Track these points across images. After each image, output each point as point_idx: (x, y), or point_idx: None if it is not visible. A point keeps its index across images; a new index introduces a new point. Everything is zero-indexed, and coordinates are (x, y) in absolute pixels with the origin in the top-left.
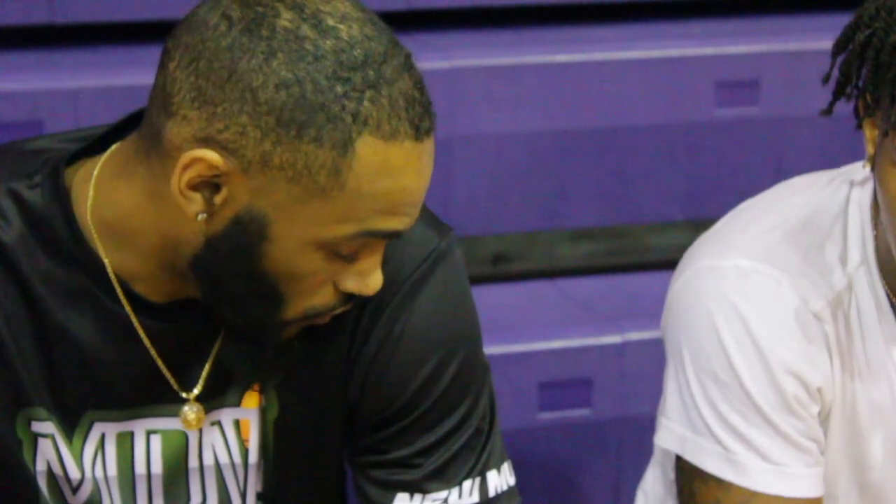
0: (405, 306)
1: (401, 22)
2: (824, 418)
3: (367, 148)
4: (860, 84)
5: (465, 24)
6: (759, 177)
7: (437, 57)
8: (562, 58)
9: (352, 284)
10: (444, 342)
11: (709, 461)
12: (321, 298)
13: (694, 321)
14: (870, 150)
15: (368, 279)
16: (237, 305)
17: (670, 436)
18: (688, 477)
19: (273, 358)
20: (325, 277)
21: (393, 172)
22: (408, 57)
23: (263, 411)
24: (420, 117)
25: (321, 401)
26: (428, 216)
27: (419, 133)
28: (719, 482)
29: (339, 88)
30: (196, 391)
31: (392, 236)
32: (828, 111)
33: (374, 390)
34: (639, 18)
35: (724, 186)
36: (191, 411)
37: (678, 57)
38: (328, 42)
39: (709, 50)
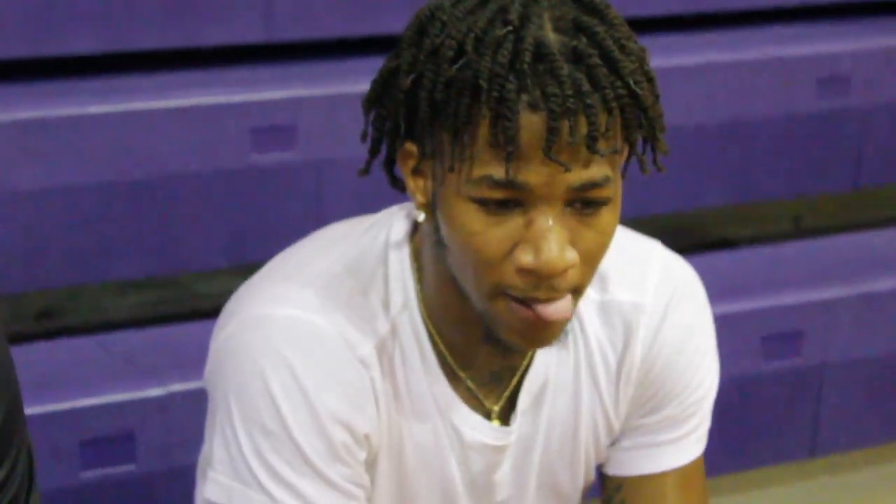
0: None
1: None
2: (371, 464)
3: None
4: (402, 134)
5: None
6: (301, 221)
7: None
8: (95, 109)
9: None
10: None
11: None
12: None
13: (241, 371)
14: (420, 199)
15: None
16: None
17: (217, 488)
18: None
19: None
20: None
21: None
22: None
23: None
24: None
25: None
26: None
27: None
28: None
29: None
30: None
31: None
32: (365, 171)
33: None
34: (169, 68)
35: (266, 232)
36: None
37: (213, 104)
38: None
39: (243, 97)
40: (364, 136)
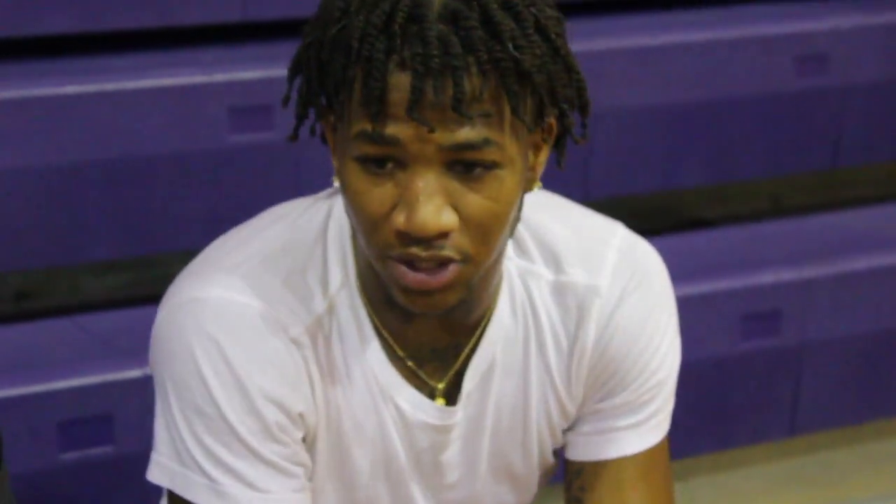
0: None
1: None
2: (310, 442)
3: None
4: (313, 96)
5: None
6: (278, 201)
7: None
8: (72, 89)
9: None
10: None
11: (198, 495)
12: None
13: (175, 354)
14: (335, 163)
15: None
16: None
17: (160, 471)
18: None
19: None
20: None
21: None
22: None
23: None
24: None
25: None
26: None
27: None
28: None
29: None
30: None
31: None
32: (294, 136)
33: None
34: (146, 48)
35: (245, 211)
36: None
37: (190, 84)
38: None
39: (221, 77)
40: (285, 101)
